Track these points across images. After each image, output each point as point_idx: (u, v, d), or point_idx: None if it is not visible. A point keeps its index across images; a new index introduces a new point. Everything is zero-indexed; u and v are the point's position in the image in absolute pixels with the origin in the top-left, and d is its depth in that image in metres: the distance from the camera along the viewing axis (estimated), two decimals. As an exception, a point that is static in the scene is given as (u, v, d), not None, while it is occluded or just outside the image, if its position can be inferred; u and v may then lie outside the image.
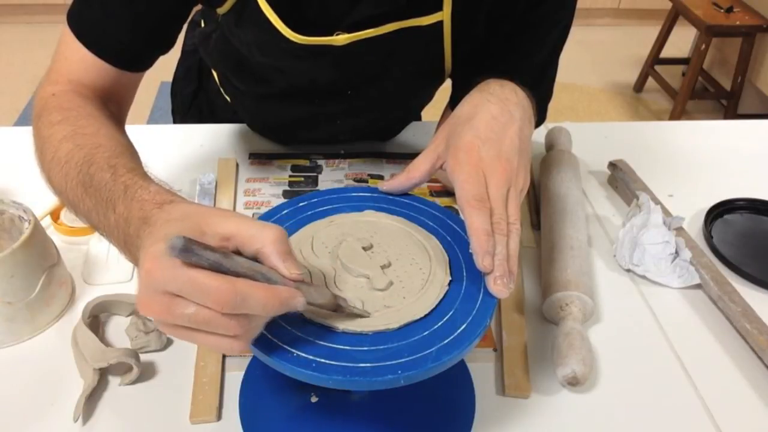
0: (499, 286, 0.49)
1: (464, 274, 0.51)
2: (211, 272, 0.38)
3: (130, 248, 0.48)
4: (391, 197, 0.60)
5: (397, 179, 0.59)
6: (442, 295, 0.49)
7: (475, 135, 0.57)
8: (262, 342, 0.44)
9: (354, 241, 0.53)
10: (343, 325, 0.46)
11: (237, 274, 0.39)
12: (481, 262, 0.49)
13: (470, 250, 0.50)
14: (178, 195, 0.49)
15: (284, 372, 0.44)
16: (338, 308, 0.46)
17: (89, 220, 0.54)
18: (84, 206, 0.54)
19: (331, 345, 0.44)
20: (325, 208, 0.58)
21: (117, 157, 0.54)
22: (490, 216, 0.52)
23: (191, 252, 0.37)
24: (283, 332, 0.45)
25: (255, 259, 0.42)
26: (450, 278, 0.51)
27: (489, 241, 0.50)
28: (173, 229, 0.40)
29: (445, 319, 0.47)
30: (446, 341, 0.45)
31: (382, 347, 0.44)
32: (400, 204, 0.59)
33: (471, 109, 0.60)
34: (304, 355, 0.43)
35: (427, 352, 0.44)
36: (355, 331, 0.46)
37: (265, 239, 0.41)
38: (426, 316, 0.47)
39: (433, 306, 0.48)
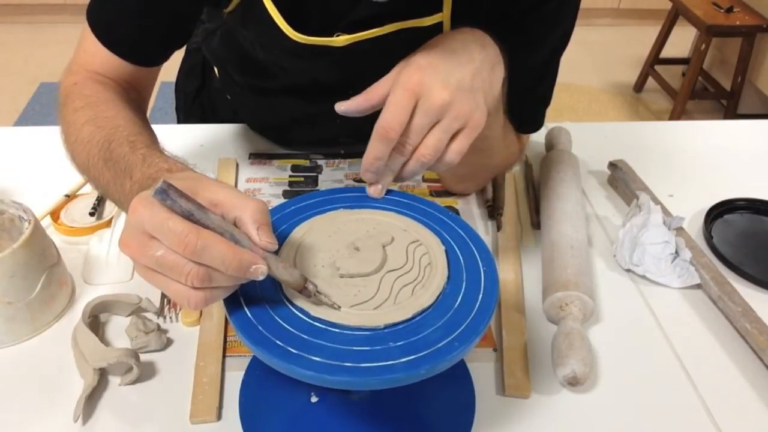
0: (370, 189, 0.57)
1: (464, 275, 0.51)
2: (182, 218, 0.41)
3: None
4: (389, 198, 0.59)
5: (354, 100, 0.58)
6: (440, 240, 0.54)
7: (427, 61, 0.56)
8: (262, 342, 0.44)
9: (338, 254, 0.51)
10: (408, 308, 0.47)
11: (207, 227, 0.42)
12: (362, 175, 0.56)
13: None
14: (191, 168, 0.52)
15: (285, 372, 0.43)
16: (304, 291, 0.46)
17: (107, 193, 0.59)
18: (104, 180, 0.58)
19: (330, 345, 0.44)
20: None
21: (136, 135, 0.59)
22: (391, 146, 0.54)
23: (167, 195, 0.40)
24: (283, 331, 0.45)
25: (236, 226, 0.44)
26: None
27: (374, 164, 0.55)
28: None
29: (445, 318, 0.47)
30: (446, 341, 0.45)
31: (381, 347, 0.44)
32: (400, 204, 0.58)
33: (433, 40, 0.60)
34: (304, 354, 0.43)
35: (427, 351, 0.44)
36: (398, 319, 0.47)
37: (245, 208, 0.44)
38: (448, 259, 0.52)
39: (446, 257, 0.52)
